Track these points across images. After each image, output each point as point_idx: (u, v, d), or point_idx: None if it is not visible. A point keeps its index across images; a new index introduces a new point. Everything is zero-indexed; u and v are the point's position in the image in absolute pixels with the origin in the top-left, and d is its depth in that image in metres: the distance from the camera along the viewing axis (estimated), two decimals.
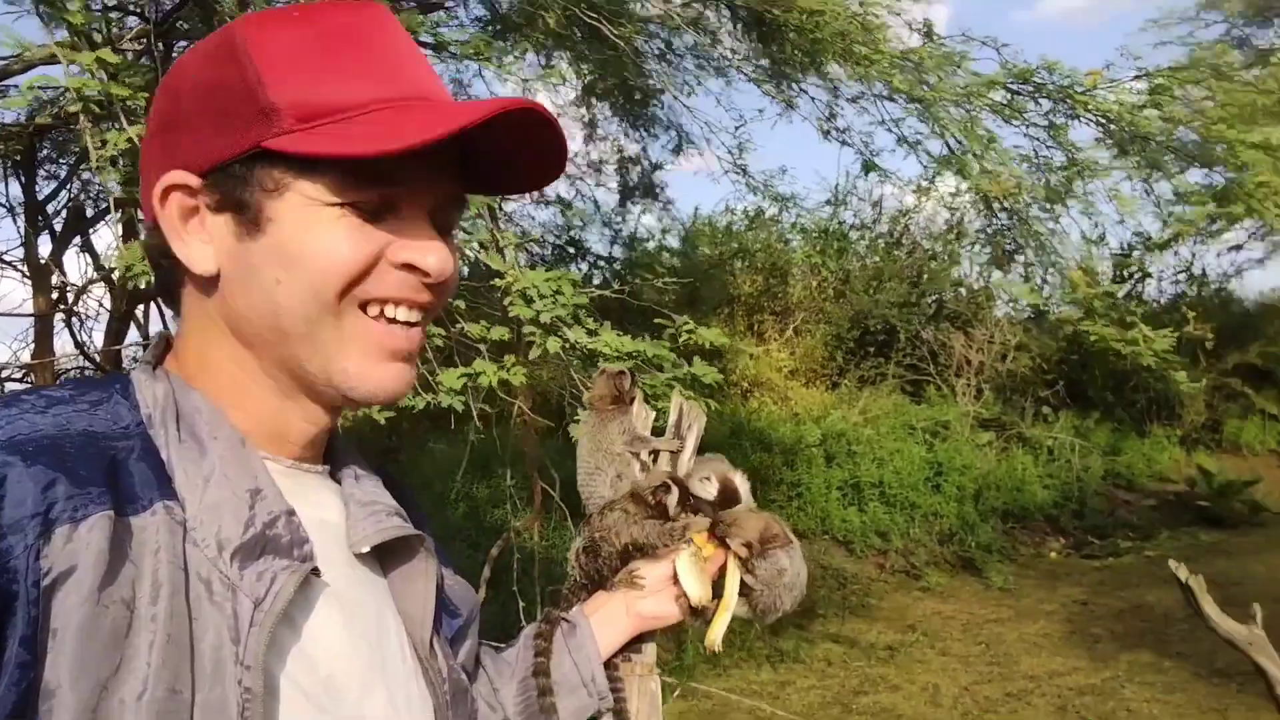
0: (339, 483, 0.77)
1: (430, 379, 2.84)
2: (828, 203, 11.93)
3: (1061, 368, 11.37)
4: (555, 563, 5.37)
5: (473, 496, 6.79)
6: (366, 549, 0.74)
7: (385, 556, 0.77)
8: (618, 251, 10.20)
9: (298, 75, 0.65)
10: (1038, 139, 4.95)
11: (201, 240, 0.68)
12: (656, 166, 8.04)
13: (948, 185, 10.07)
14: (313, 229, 0.66)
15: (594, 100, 6.92)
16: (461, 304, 2.89)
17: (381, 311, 0.70)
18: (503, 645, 1.12)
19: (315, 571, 0.66)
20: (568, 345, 2.76)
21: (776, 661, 5.82)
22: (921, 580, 7.66)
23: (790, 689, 5.40)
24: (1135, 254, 12.62)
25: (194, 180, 0.67)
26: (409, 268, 0.69)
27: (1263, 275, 36.90)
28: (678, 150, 7.43)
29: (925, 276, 11.83)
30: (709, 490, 1.22)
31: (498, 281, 2.77)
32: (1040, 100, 4.69)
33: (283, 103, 0.64)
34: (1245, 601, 3.10)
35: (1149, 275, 12.81)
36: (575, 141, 8.17)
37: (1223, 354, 11.33)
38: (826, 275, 11.55)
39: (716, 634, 1.17)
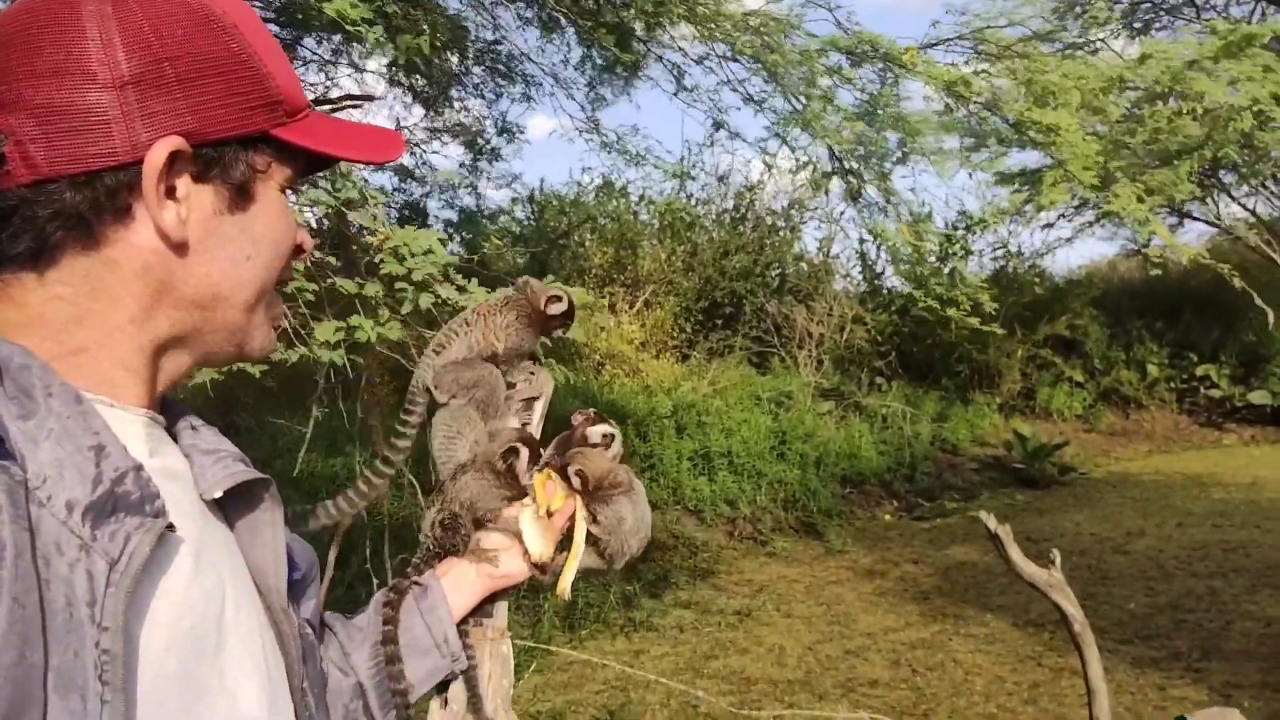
0: (174, 438, 0.77)
1: (302, 333, 2.75)
2: (675, 175, 12.09)
3: (894, 339, 12.02)
4: (406, 542, 5.22)
5: (318, 475, 6.52)
6: (219, 493, 0.74)
7: (230, 508, 0.78)
8: (465, 220, 9.96)
9: (279, 69, 0.73)
10: (866, 99, 5.16)
11: (176, 206, 0.69)
12: (503, 130, 7.88)
13: (788, 161, 10.39)
14: (276, 212, 0.75)
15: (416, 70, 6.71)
16: (334, 260, 2.87)
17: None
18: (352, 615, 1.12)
19: (170, 526, 0.65)
20: (439, 301, 2.81)
21: (630, 631, 5.91)
22: (768, 546, 7.95)
23: (645, 656, 5.50)
24: (958, 232, 13.44)
25: (188, 148, 0.68)
26: (298, 248, 0.79)
27: (1069, 253, 40.32)
28: (526, 98, 7.32)
29: (768, 250, 12.20)
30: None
31: (371, 239, 2.73)
32: (872, 64, 4.90)
33: (282, 95, 0.72)
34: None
35: (970, 253, 13.66)
36: (411, 111, 7.90)
37: (1035, 326, 12.28)
38: (675, 246, 11.71)
39: (565, 582, 1.22)
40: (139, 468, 0.65)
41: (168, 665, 0.64)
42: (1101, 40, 12.64)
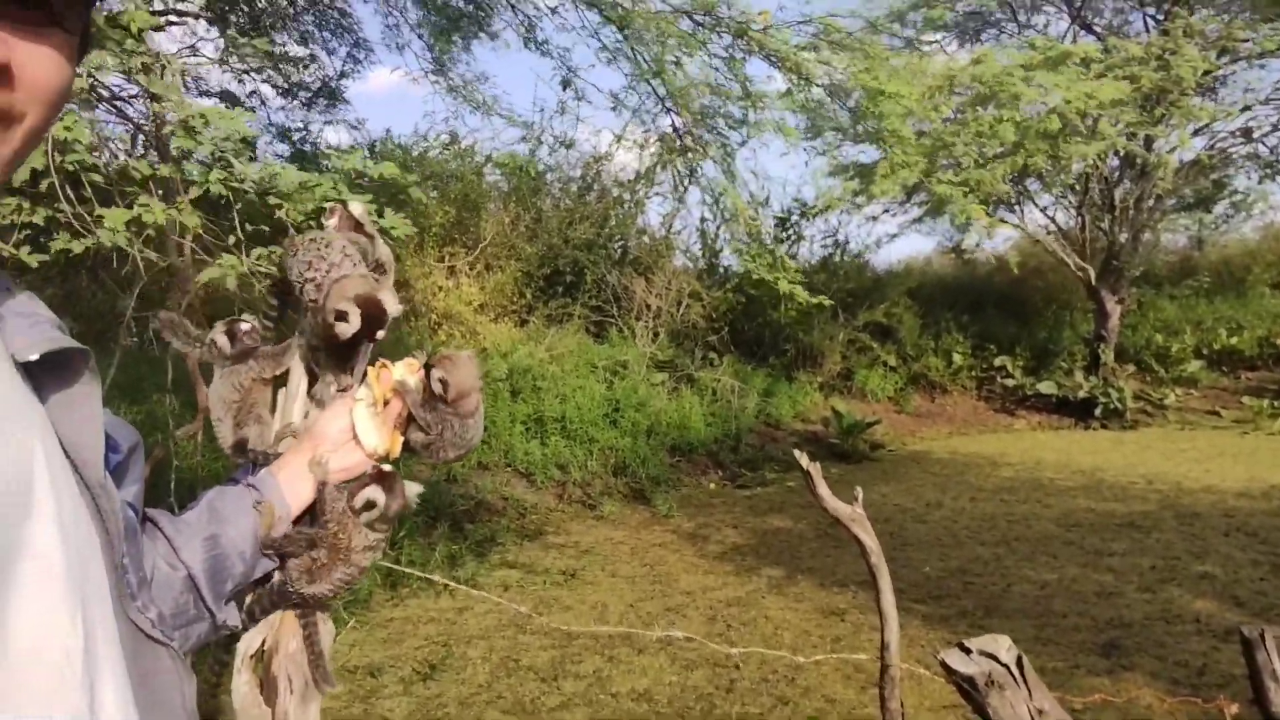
0: None
1: (89, 218, 2.48)
2: (523, 139, 11.97)
3: (727, 317, 12.41)
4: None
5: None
6: (36, 355, 0.67)
7: (43, 377, 0.70)
8: (296, 158, 9.48)
9: None
10: (718, 69, 5.29)
11: None
12: (341, 74, 7.56)
13: (636, 135, 10.48)
14: None
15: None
16: (126, 140, 2.59)
17: None
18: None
19: None
20: (234, 178, 2.55)
21: (455, 590, 5.87)
22: (596, 509, 8.08)
23: (468, 614, 5.49)
24: (793, 218, 14.03)
25: None
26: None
27: (893, 247, 43.09)
28: (356, 51, 7.06)
29: (613, 221, 12.30)
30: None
31: (156, 106, 2.46)
32: (720, 34, 5.02)
33: None
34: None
35: (803, 238, 14.31)
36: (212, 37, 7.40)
37: (856, 312, 13.00)
38: (520, 211, 11.60)
39: (394, 454, 1.20)
40: None
41: None
42: (936, 43, 13.44)
